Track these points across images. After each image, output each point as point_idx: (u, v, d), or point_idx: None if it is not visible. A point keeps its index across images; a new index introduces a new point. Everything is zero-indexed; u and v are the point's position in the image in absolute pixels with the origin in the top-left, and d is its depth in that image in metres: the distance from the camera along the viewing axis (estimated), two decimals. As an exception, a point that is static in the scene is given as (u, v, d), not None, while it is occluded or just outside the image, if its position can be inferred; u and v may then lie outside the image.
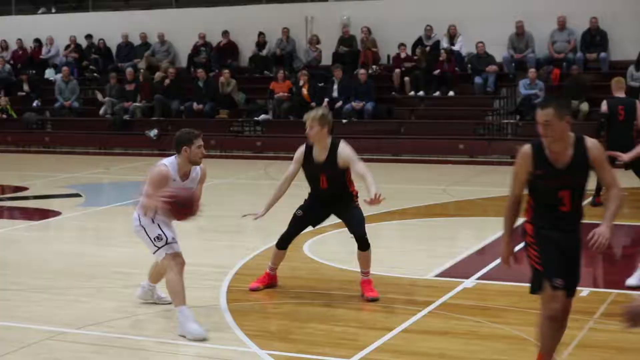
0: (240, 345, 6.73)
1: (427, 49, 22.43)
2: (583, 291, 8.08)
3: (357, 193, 8.02)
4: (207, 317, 7.34)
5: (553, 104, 5.37)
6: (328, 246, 10.32)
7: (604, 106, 12.85)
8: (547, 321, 5.49)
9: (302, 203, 8.21)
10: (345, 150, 7.84)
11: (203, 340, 6.76)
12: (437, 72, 21.77)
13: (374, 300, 7.82)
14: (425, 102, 21.93)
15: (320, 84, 22.25)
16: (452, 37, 22.50)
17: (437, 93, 21.78)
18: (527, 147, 5.45)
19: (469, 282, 8.58)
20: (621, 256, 10.23)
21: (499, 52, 21.82)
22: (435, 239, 11.19)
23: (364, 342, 6.73)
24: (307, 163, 7.93)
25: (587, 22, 21.19)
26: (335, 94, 21.72)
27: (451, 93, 21.69)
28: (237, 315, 7.48)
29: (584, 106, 19.64)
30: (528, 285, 8.46)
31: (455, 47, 22.31)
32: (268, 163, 19.94)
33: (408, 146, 20.69)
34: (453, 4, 22.84)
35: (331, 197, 8.00)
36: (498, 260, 9.52)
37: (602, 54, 20.99)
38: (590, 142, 5.41)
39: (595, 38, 21.19)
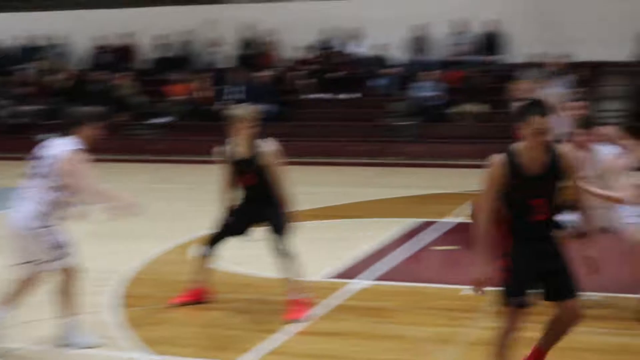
0: (130, 350, 6.64)
1: (330, 51, 22.54)
2: (463, 290, 8.22)
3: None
4: (97, 323, 7.21)
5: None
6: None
7: None
8: (505, 334, 5.44)
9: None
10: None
11: (93, 347, 6.63)
12: (339, 74, 21.90)
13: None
14: (327, 104, 22.02)
15: (221, 86, 22.14)
16: (354, 39, 22.66)
17: (339, 95, 21.91)
18: (500, 157, 5.32)
19: (361, 283, 8.61)
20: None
21: (400, 54, 22.09)
22: (331, 240, 11.22)
23: (253, 344, 6.71)
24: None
25: (484, 25, 21.58)
26: (236, 96, 21.64)
27: (353, 95, 21.83)
28: (128, 320, 7.38)
29: (483, 108, 20.01)
30: (421, 285, 8.67)
31: (358, 50, 22.48)
32: (167, 167, 19.76)
33: (309, 148, 20.69)
34: (356, 7, 22.99)
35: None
36: (393, 261, 9.69)
37: (500, 56, 21.42)
38: (563, 149, 5.39)
39: (492, 41, 21.60)
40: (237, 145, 7.50)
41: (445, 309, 7.63)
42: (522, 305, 5.34)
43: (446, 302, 7.90)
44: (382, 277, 8.92)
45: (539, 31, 21.37)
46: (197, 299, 7.84)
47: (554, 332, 5.58)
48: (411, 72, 21.81)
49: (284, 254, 7.42)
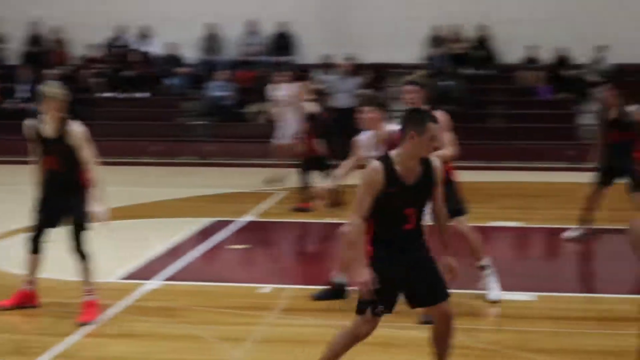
0: None
1: (119, 49, 22.19)
2: (264, 288, 8.40)
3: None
4: None
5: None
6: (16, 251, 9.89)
7: None
8: (352, 338, 5.45)
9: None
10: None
11: None
12: (128, 73, 21.61)
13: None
14: (116, 103, 21.68)
15: (10, 84, 21.37)
16: (143, 38, 22.41)
17: (129, 94, 21.63)
18: (377, 164, 5.26)
19: (154, 284, 8.60)
20: (307, 254, 10.64)
21: (191, 53, 22.05)
22: (126, 240, 11.09)
23: (44, 348, 6.58)
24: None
25: (276, 25, 21.90)
26: (25, 94, 20.93)
27: (143, 94, 21.61)
28: None
29: (267, 107, 20.26)
30: (214, 284, 8.76)
31: (147, 49, 22.26)
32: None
33: (103, 147, 20.18)
34: (145, 5, 22.73)
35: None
36: (187, 261, 9.71)
37: (291, 57, 21.79)
38: (435, 161, 5.40)
39: (283, 41, 21.95)
40: (46, 123, 7.30)
41: (237, 307, 7.74)
42: (379, 315, 5.35)
43: (239, 301, 8.02)
44: (175, 277, 8.94)
45: (329, 33, 21.90)
46: (23, 302, 7.60)
47: (439, 341, 5.56)
48: (204, 71, 21.84)
49: (80, 254, 7.31)
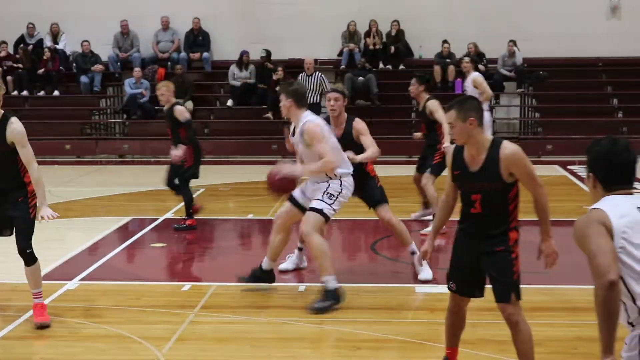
0: None
1: (30, 47, 21.78)
2: (184, 286, 8.36)
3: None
4: None
5: (455, 106, 5.45)
6: None
7: None
8: (448, 313, 5.74)
9: None
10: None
11: None
12: (41, 71, 21.25)
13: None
14: (29, 102, 21.29)
15: None
16: (55, 35, 22.04)
17: (42, 93, 21.29)
18: (451, 147, 5.59)
19: (72, 284, 8.48)
20: (227, 251, 10.60)
21: (105, 51, 21.76)
22: (40, 241, 10.87)
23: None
24: None
25: (190, 22, 21.76)
26: None
27: (56, 92, 21.29)
28: None
29: (189, 104, 20.16)
30: (132, 283, 8.68)
31: (59, 46, 21.89)
32: None
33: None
34: (56, 2, 22.38)
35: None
36: (106, 260, 9.60)
37: (205, 54, 21.69)
38: (506, 147, 5.39)
39: (198, 38, 21.83)
40: None
41: (158, 306, 7.68)
42: (452, 290, 5.63)
43: (159, 299, 7.99)
44: (95, 277, 8.83)
45: (245, 29, 21.89)
46: None
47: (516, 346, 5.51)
48: (118, 69, 21.61)
49: (27, 256, 7.09)
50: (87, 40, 21.41)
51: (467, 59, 15.01)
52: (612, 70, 21.25)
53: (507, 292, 5.41)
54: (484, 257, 5.48)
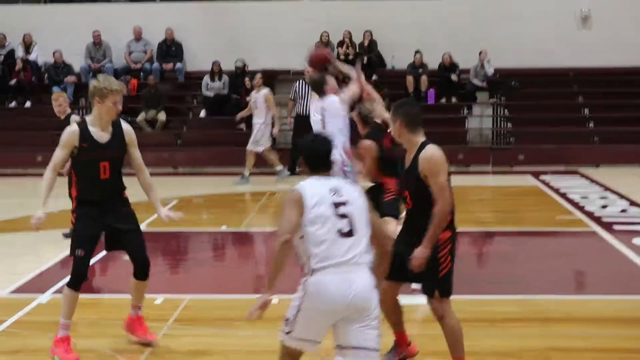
0: None
1: (2, 58, 21.65)
2: (157, 299, 8.31)
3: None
4: None
5: (391, 110, 6.06)
6: None
7: None
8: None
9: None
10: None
11: None
12: (13, 82, 21.12)
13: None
14: (2, 113, 21.15)
15: None
16: (27, 46, 21.91)
17: (14, 104, 21.16)
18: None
19: (46, 297, 8.42)
20: (198, 263, 10.58)
21: (77, 61, 21.66)
22: (13, 255, 10.83)
23: None
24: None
25: (162, 33, 21.72)
26: None
27: (28, 104, 21.17)
28: None
29: (162, 115, 20.14)
30: (104, 296, 8.62)
31: (32, 57, 21.77)
32: None
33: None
34: (28, 12, 22.27)
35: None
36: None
37: (178, 64, 21.64)
38: (426, 151, 5.80)
39: (170, 49, 21.79)
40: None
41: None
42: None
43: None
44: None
45: (218, 39, 21.88)
46: None
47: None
48: (91, 79, 21.48)
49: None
50: (59, 51, 21.30)
51: (258, 75, 17.00)
52: (583, 80, 21.42)
53: (432, 288, 5.82)
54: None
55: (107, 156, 6.62)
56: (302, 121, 16.25)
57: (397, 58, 21.55)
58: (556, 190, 15.47)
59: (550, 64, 21.43)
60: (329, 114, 9.32)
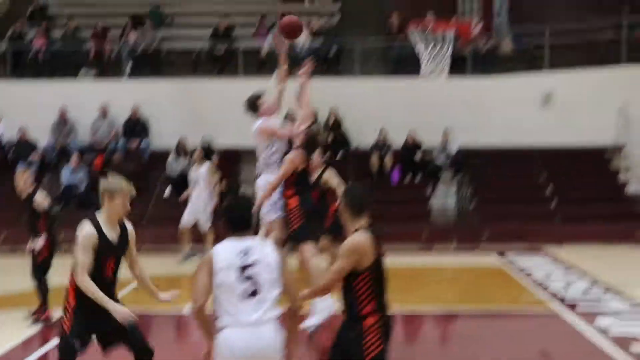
0: None
1: (-34, 134, 21.59)
2: None
3: None
4: None
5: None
6: None
7: None
8: None
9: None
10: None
11: None
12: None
13: None
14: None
15: None
16: (-8, 121, 21.89)
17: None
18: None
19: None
20: (158, 343, 10.42)
21: (43, 138, 21.63)
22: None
23: None
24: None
25: (128, 110, 21.78)
26: None
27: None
28: None
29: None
30: None
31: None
32: None
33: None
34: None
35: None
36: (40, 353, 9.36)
37: (144, 142, 21.67)
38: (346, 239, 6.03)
39: (136, 127, 21.83)
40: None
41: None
42: None
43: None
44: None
45: (183, 117, 21.97)
46: None
47: None
48: (56, 156, 21.44)
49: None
50: (24, 128, 21.26)
51: (198, 149, 17.94)
52: (546, 160, 21.67)
53: None
54: None
55: (115, 255, 6.86)
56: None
57: (361, 137, 21.73)
58: (520, 269, 15.53)
59: (514, 143, 21.69)
60: (255, 139, 9.70)
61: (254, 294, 5.39)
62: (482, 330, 11.12)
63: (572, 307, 11.99)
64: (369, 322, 5.78)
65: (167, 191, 20.48)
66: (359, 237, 5.87)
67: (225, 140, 21.25)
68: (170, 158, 20.62)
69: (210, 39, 23.69)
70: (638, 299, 12.49)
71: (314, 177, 11.40)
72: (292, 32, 9.20)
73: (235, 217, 5.61)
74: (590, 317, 11.24)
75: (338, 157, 21.26)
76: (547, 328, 11.21)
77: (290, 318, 5.73)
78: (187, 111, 22.12)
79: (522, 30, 23.94)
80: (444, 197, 21.31)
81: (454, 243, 19.30)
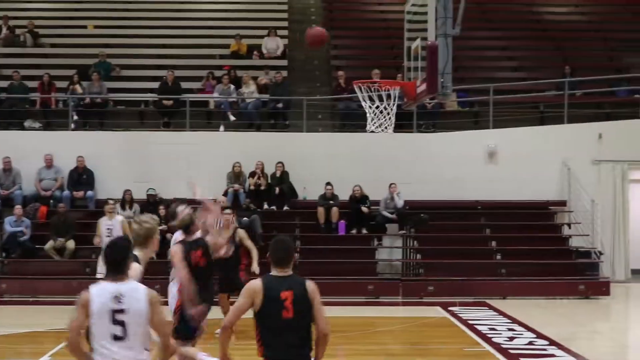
0: None
1: None
2: None
3: None
4: None
5: None
6: None
7: None
8: None
9: None
10: None
11: None
12: None
13: None
14: None
15: None
16: None
17: None
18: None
19: None
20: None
21: (-15, 189, 21.36)
22: None
23: None
24: None
25: (74, 160, 21.62)
26: None
27: None
28: None
29: (70, 244, 19.86)
30: None
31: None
32: None
33: None
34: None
35: None
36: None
37: (89, 192, 21.49)
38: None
39: (82, 176, 21.66)
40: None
41: None
42: None
43: None
44: None
45: (130, 167, 21.86)
46: None
47: None
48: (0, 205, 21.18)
49: None
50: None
51: (110, 202, 18.51)
52: (490, 213, 21.93)
53: None
54: None
55: None
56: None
57: (308, 189, 21.81)
58: (464, 322, 15.63)
59: (459, 196, 21.92)
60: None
61: (122, 338, 5.80)
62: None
63: (516, 358, 12.08)
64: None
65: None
66: (257, 281, 6.49)
67: (171, 190, 21.19)
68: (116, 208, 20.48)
69: (158, 90, 23.74)
70: (581, 352, 12.64)
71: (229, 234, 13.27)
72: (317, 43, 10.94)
73: (110, 261, 5.98)
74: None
75: (285, 208, 21.33)
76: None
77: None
78: (133, 161, 22.02)
79: (467, 88, 24.40)
80: (390, 250, 21.40)
81: (400, 295, 19.36)
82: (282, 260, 6.45)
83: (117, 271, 5.92)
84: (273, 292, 6.31)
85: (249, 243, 14.26)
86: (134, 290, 5.88)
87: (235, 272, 13.67)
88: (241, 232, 14.29)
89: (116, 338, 5.78)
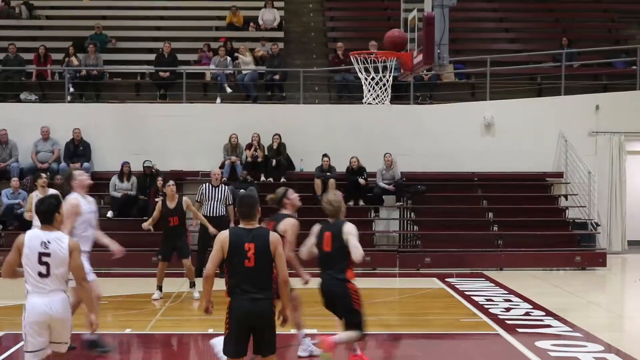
0: None
1: None
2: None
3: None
4: None
5: None
6: None
7: None
8: None
9: None
10: None
11: None
12: None
13: None
14: None
15: None
16: None
17: None
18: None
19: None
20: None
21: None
22: None
23: None
24: None
25: (70, 133, 21.57)
26: None
27: None
28: None
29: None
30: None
31: None
32: None
33: None
34: None
35: None
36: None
37: (86, 164, 21.46)
38: None
39: (78, 148, 21.63)
40: None
41: None
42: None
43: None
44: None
45: (126, 140, 21.84)
46: None
47: None
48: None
49: None
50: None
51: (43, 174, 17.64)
52: (486, 185, 21.96)
53: None
54: None
55: None
56: (209, 222, 16.23)
57: (305, 161, 21.81)
58: (461, 293, 15.67)
59: (456, 168, 21.96)
60: None
61: (46, 275, 7.18)
62: (425, 352, 11.20)
63: (512, 328, 12.13)
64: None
65: (110, 213, 20.30)
66: (224, 232, 7.46)
67: (168, 163, 21.21)
68: (113, 181, 20.48)
69: (154, 62, 23.68)
70: (577, 323, 12.68)
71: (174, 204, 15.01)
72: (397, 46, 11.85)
73: (41, 212, 7.35)
74: (530, 338, 11.39)
75: (282, 180, 21.31)
76: (489, 349, 11.34)
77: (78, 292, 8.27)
78: (130, 134, 22.00)
79: (464, 60, 24.36)
80: (387, 222, 21.44)
81: (397, 267, 19.41)
82: (248, 215, 7.44)
83: (46, 221, 7.31)
84: (238, 243, 7.30)
85: (193, 209, 15.84)
86: (58, 239, 7.24)
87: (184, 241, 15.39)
88: (187, 201, 15.31)
89: (41, 275, 7.17)
